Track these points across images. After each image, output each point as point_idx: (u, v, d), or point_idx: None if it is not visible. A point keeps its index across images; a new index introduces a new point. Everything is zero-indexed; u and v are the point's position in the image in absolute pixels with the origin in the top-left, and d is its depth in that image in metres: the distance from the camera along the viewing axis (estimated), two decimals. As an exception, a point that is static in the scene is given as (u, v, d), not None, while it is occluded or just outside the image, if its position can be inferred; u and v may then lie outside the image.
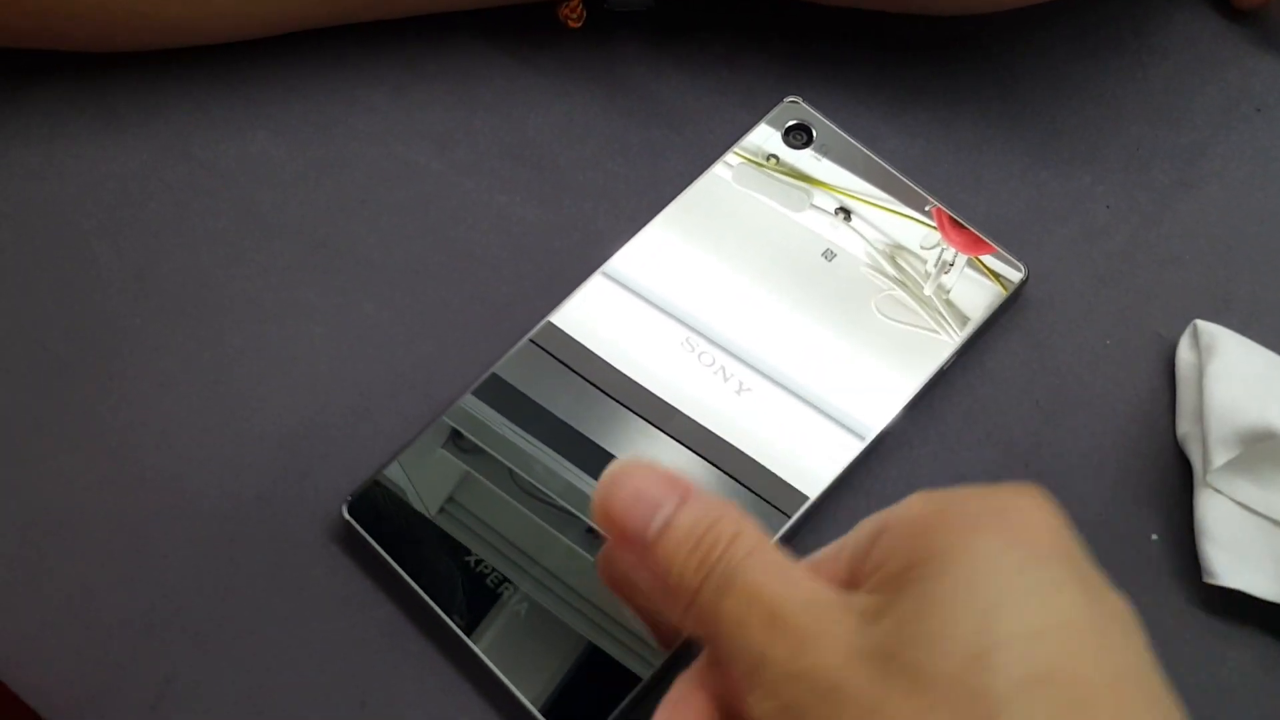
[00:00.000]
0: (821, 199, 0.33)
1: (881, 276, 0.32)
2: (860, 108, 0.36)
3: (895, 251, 0.33)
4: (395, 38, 0.36)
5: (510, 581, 0.29)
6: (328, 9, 0.34)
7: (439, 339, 0.33)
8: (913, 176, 0.34)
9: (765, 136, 0.34)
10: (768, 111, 0.35)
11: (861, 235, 0.33)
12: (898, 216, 0.33)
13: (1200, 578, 0.29)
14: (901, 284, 0.32)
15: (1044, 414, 0.32)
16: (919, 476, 0.31)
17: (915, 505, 0.22)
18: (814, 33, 0.37)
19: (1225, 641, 0.29)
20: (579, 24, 0.35)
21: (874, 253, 0.32)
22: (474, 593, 0.29)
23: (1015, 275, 0.32)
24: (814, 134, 0.34)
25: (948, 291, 0.32)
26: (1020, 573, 0.20)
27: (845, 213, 0.33)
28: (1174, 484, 0.31)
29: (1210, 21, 0.38)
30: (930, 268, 0.32)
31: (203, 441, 0.31)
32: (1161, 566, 0.30)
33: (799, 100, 0.35)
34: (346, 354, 0.32)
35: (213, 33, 0.34)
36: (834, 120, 0.35)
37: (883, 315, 0.32)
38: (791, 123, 0.34)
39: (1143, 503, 0.31)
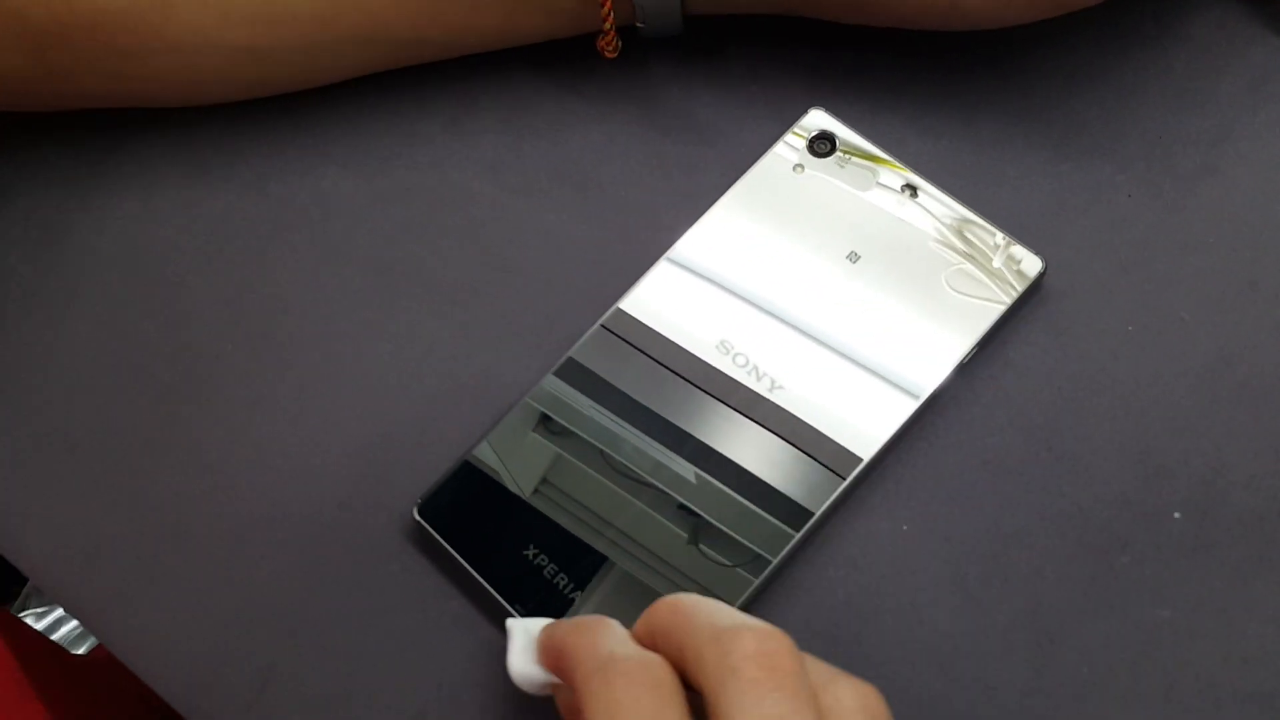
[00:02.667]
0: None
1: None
2: (884, 112, 0.37)
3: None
4: (447, 75, 0.39)
5: (565, 573, 0.32)
6: (385, 58, 0.37)
7: (496, 350, 0.36)
8: (934, 177, 0.35)
9: (791, 145, 0.36)
10: (793, 122, 0.37)
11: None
12: (935, 208, 0.35)
13: (1220, 552, 0.31)
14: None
15: (1065, 399, 0.33)
16: (944, 464, 0.33)
17: None
18: (835, 44, 0.38)
19: (1248, 614, 0.31)
20: (615, 54, 0.37)
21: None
22: (533, 583, 0.32)
23: (1035, 267, 0.34)
24: (838, 141, 0.36)
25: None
26: None
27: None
28: (1196, 463, 0.32)
29: (1234, 2, 0.38)
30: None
31: (288, 454, 0.35)
32: (1183, 543, 0.31)
33: (822, 109, 0.37)
34: (413, 368, 0.36)
35: (283, 85, 0.37)
36: (858, 126, 0.36)
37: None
38: (816, 131, 0.36)
39: (1164, 482, 0.32)
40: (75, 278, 0.38)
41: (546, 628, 0.28)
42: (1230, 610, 0.31)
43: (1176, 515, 0.32)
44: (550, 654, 0.27)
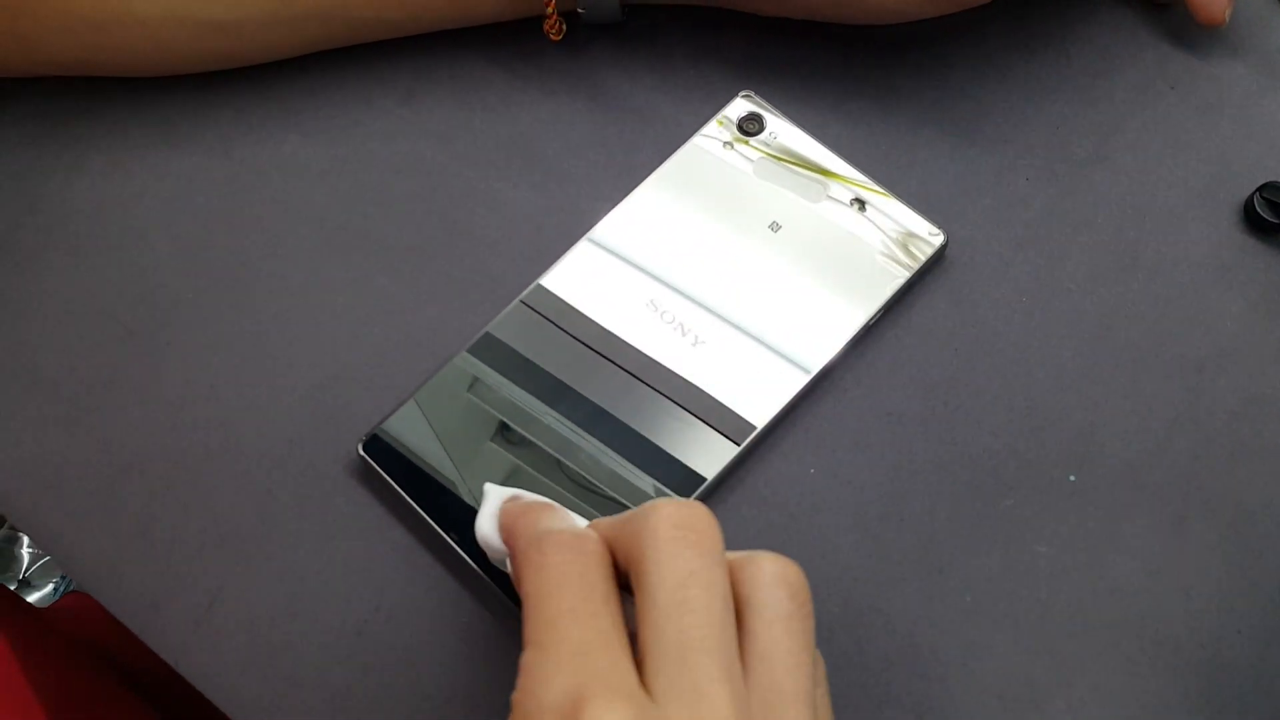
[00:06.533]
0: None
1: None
2: (809, 98, 0.41)
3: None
4: (404, 53, 0.42)
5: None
6: (344, 34, 0.40)
7: (442, 305, 0.38)
8: (852, 158, 0.38)
9: (723, 125, 0.39)
10: (725, 104, 0.40)
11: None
12: (851, 185, 0.38)
13: (1094, 496, 0.34)
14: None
15: (962, 360, 0.36)
16: (850, 415, 0.36)
17: None
18: (767, 35, 0.42)
19: (1115, 551, 0.34)
20: (559, 37, 0.40)
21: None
22: (466, 515, 0.34)
23: (937, 240, 0.37)
24: (765, 123, 0.39)
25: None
26: None
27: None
28: (1076, 418, 0.35)
29: (1131, 10, 0.42)
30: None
31: (244, 394, 0.37)
32: (1061, 488, 0.34)
33: (752, 94, 0.40)
34: (363, 320, 0.38)
35: (247, 58, 0.40)
36: (784, 110, 0.39)
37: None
38: (745, 113, 0.39)
39: (1047, 434, 0.35)
40: (46, 228, 0.40)
41: (506, 503, 0.29)
42: (1100, 547, 0.34)
43: (1057, 464, 0.35)
44: (503, 529, 0.29)
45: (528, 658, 0.24)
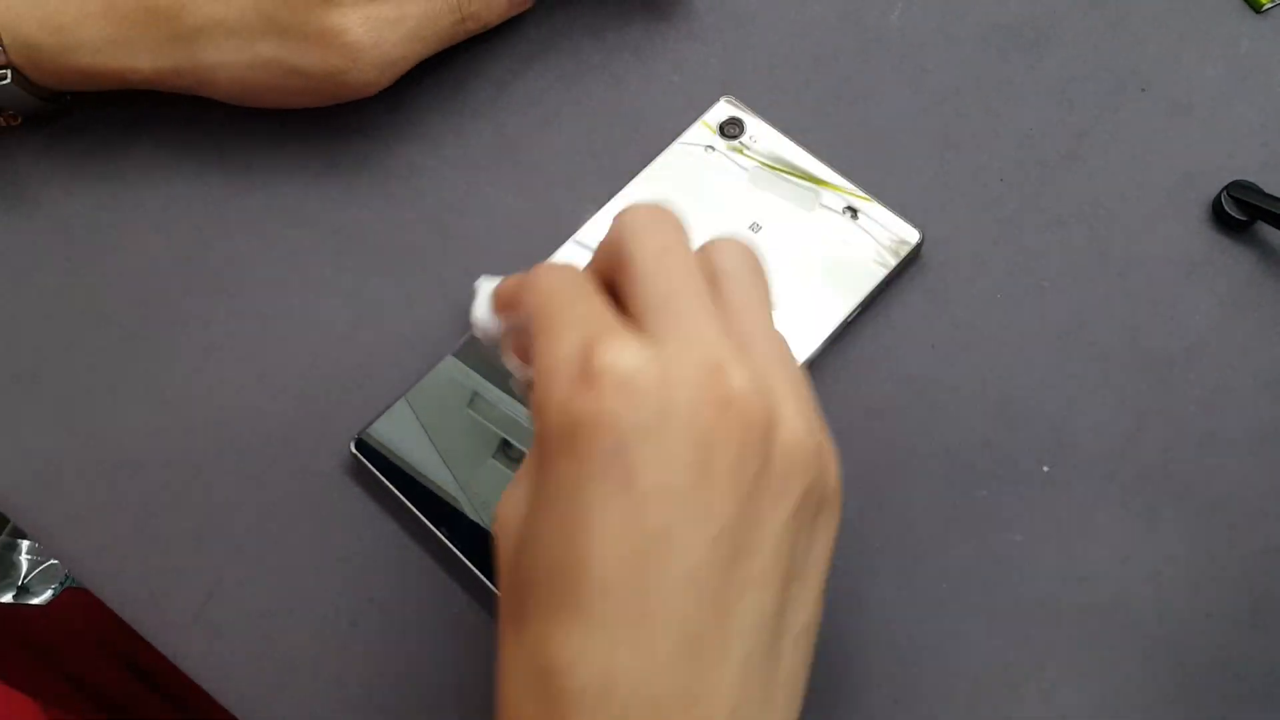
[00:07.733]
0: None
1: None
2: (790, 102, 0.42)
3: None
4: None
5: (486, 500, 0.35)
6: None
7: (433, 307, 0.39)
8: (830, 159, 0.39)
9: (704, 129, 0.40)
10: (707, 109, 0.41)
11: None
12: (829, 187, 0.39)
13: (1066, 487, 0.35)
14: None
15: (938, 355, 0.37)
16: (829, 409, 0.37)
17: None
18: (750, 41, 0.43)
19: (1086, 540, 0.35)
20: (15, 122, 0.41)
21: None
22: (457, 509, 0.35)
23: (913, 239, 0.38)
24: (745, 126, 0.40)
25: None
26: None
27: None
28: (1049, 411, 0.36)
29: (1104, 14, 0.43)
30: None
31: (239, 394, 0.38)
32: (1034, 479, 0.35)
33: (733, 98, 0.41)
34: (357, 321, 0.39)
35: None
36: (765, 114, 0.40)
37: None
38: (726, 117, 0.40)
39: (1021, 428, 0.36)
40: (47, 236, 0.41)
41: (503, 280, 0.32)
42: (1072, 536, 0.35)
43: (1031, 456, 0.36)
44: (503, 296, 0.31)
45: (538, 346, 0.26)
